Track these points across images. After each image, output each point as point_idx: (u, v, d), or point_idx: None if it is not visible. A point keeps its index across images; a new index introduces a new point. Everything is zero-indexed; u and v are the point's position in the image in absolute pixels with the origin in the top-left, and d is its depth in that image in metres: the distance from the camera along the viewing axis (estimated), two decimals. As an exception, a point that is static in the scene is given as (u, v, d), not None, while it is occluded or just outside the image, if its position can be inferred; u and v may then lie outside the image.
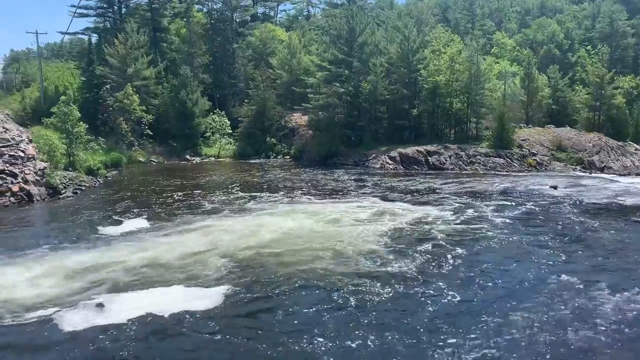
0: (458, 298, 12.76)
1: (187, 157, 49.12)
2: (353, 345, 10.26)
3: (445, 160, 41.71)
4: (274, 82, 57.19)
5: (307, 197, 27.48)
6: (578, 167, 42.39)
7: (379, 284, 13.46)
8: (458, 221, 21.15)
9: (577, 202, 25.96)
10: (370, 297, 12.73)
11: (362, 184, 32.89)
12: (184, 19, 60.50)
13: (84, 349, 10.41)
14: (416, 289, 13.33)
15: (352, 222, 20.92)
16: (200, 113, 52.34)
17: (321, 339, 10.45)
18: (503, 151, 42.63)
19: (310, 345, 10.22)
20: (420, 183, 33.08)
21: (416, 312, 11.94)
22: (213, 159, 50.06)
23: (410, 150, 42.83)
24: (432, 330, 10.97)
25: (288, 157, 50.52)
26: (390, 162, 42.12)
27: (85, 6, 59.26)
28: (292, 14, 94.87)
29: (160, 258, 16.00)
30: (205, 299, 12.80)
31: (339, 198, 27.15)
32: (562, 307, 12.25)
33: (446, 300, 12.69)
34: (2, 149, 27.79)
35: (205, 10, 65.27)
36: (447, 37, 56.44)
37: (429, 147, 42.89)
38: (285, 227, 19.94)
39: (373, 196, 27.62)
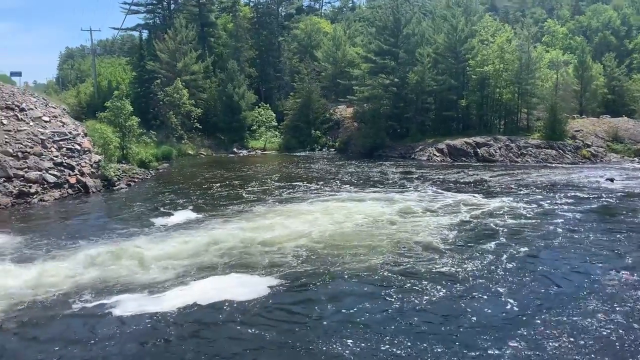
0: (508, 304, 11.77)
1: (234, 150, 49.94)
2: (382, 349, 9.80)
3: (495, 152, 40.72)
4: (318, 74, 57.31)
5: (355, 188, 27.35)
6: (636, 159, 40.54)
7: (427, 284, 12.90)
8: (513, 216, 20.36)
9: (638, 196, 24.81)
10: (416, 297, 12.15)
11: (411, 176, 32.48)
12: (231, 14, 61.32)
13: (128, 332, 10.72)
14: (465, 291, 12.54)
15: (408, 214, 20.59)
16: (247, 106, 53.07)
17: (352, 341, 10.07)
18: (555, 142, 41.23)
19: (339, 347, 9.89)
20: (470, 175, 32.41)
21: (460, 318, 11.14)
22: (259, 151, 50.68)
23: (458, 142, 42.05)
24: (472, 339, 10.11)
25: (333, 149, 50.58)
26: (438, 154, 41.50)
27: (137, 3, 60.99)
28: (337, 5, 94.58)
29: (213, 247, 16.27)
30: (252, 288, 12.86)
31: (389, 190, 26.83)
32: (626, 320, 10.93)
33: (495, 305, 11.75)
34: (60, 142, 28.92)
35: (251, 4, 65.94)
36: (495, 26, 54.97)
37: (478, 139, 41.98)
38: (340, 218, 19.86)
39: (424, 189, 27.18)
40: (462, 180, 30.51)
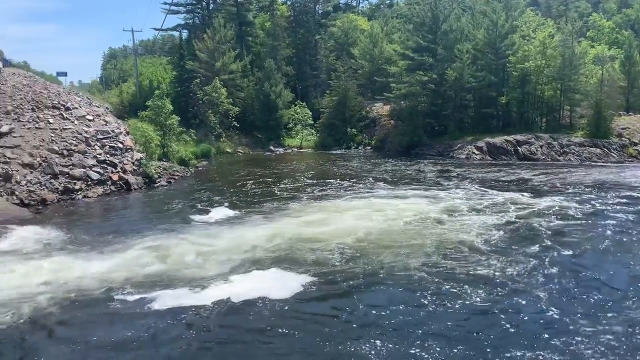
0: (548, 311, 11.26)
1: (271, 148, 50.32)
2: (410, 352, 9.60)
3: (536, 150, 39.71)
4: (355, 72, 57.09)
5: (395, 186, 27.08)
6: (687, 158, 38.78)
7: (465, 287, 12.55)
8: (561, 216, 19.69)
9: (688, 196, 23.74)
10: (452, 301, 11.83)
11: (451, 174, 32.02)
12: (268, 12, 61.73)
13: (162, 327, 10.99)
14: (504, 296, 12.11)
15: (454, 213, 20.31)
16: (284, 105, 53.39)
17: (380, 343, 9.92)
18: (600, 141, 39.86)
19: (366, 350, 9.72)
20: (512, 174, 31.71)
21: (495, 324, 10.78)
22: (295, 149, 50.92)
23: (498, 139, 41.19)
24: (506, 347, 9.77)
25: (369, 147, 50.34)
26: (477, 152, 40.76)
27: (177, 3, 62.11)
28: (375, 2, 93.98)
29: (252, 244, 16.43)
30: (289, 286, 12.95)
31: (431, 188, 26.48)
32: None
33: (533, 312, 11.29)
34: (103, 140, 29.77)
35: (288, 2, 66.21)
36: (537, 21, 53.50)
37: (519, 137, 41.01)
38: (385, 216, 19.74)
39: (467, 187, 26.72)
40: (504, 179, 29.85)
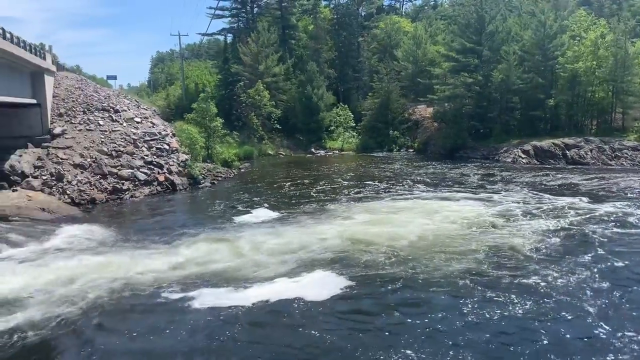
0: (595, 327, 10.64)
1: (312, 150, 50.50)
2: None
3: (586, 154, 38.29)
4: (398, 74, 56.66)
5: (441, 189, 26.63)
6: None
7: (511, 296, 12.14)
8: (620, 224, 18.81)
9: None
10: (495, 310, 11.42)
11: (497, 178, 31.28)
12: (311, 16, 62.02)
13: (201, 323, 11.27)
14: (550, 309, 11.57)
15: (508, 217, 19.82)
16: (325, 107, 53.51)
17: (412, 352, 9.72)
18: (656, 144, 38.07)
19: (398, 357, 9.60)
20: (561, 178, 30.64)
21: (538, 337, 10.29)
22: (337, 152, 50.92)
23: (545, 143, 39.95)
24: None
25: (411, 150, 49.81)
26: (524, 155, 39.67)
27: (222, 7, 63.29)
28: (418, 4, 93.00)
29: (295, 245, 16.49)
30: (328, 288, 12.94)
31: (479, 191, 25.88)
32: None
33: (580, 327, 10.73)
34: (150, 142, 30.59)
35: (331, 5, 66.35)
36: (589, 21, 51.66)
37: (567, 140, 39.66)
38: (435, 220, 19.47)
39: (518, 191, 26.02)
40: (555, 183, 28.90)
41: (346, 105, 54.72)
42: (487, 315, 11.29)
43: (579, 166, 36.54)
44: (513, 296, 12.20)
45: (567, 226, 18.68)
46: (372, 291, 12.93)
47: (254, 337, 10.80)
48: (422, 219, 19.71)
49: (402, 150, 49.86)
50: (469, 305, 11.78)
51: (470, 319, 11.20)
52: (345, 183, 30.10)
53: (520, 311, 11.48)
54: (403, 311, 11.76)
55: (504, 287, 12.77)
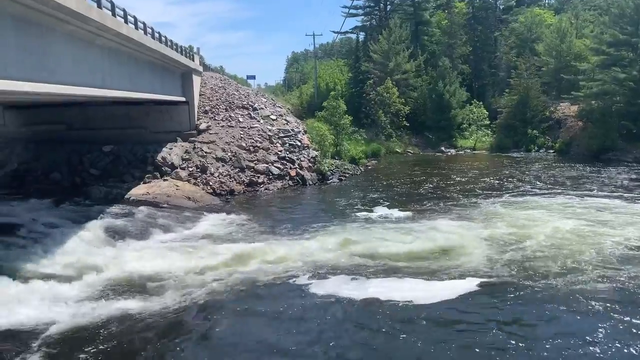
0: None
1: (442, 148, 49.21)
2: None
3: None
4: (538, 69, 53.02)
5: (583, 193, 24.56)
6: None
7: None
8: None
9: None
10: (630, 341, 10.14)
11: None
12: (446, 10, 60.44)
13: (327, 314, 11.56)
14: None
15: None
16: (457, 104, 51.84)
17: None
18: None
19: None
20: None
21: None
22: (469, 151, 49.12)
23: None
24: None
25: (551, 150, 46.36)
26: (686, 159, 35.03)
27: (355, 6, 64.04)
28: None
29: (416, 246, 16.33)
30: (441, 292, 12.66)
31: (633, 200, 23.18)
32: None
33: None
34: (284, 138, 32.05)
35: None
36: None
37: None
38: (566, 228, 17.97)
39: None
40: None
41: (480, 102, 52.50)
42: (621, 344, 10.04)
43: None
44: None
45: None
46: (483, 301, 12.33)
47: (374, 332, 10.92)
48: (574, 227, 18.06)
49: (540, 151, 46.61)
50: (602, 330, 10.62)
51: (602, 344, 10.07)
52: (479, 184, 28.86)
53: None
54: (524, 323, 11.14)
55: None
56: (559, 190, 25.90)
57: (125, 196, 24.22)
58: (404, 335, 10.61)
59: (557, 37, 53.82)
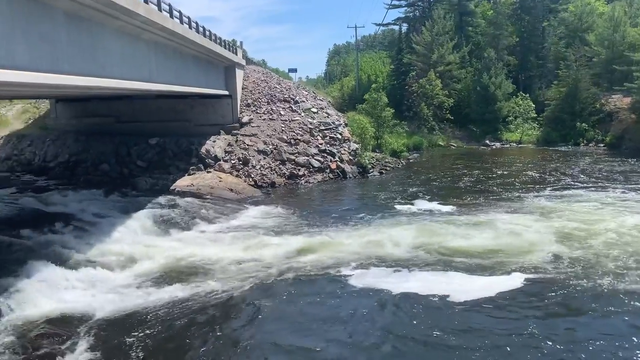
0: None
1: (486, 142, 48.15)
2: None
3: None
4: (589, 60, 51.03)
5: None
6: None
7: None
8: None
9: None
10: None
11: None
12: (491, 1, 58.95)
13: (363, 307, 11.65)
14: None
15: None
16: (503, 97, 50.53)
17: None
18: None
19: None
20: None
21: None
22: (514, 144, 47.89)
23: None
24: None
25: (602, 144, 44.64)
26: None
27: (398, -3, 63.26)
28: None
29: (461, 244, 16.04)
30: (490, 289, 12.40)
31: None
32: None
33: None
34: (325, 131, 32.09)
35: (514, -11, 62.23)
36: None
37: None
38: (617, 227, 17.14)
39: None
40: None
41: (527, 95, 50.98)
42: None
43: None
44: None
45: None
46: (526, 300, 11.98)
47: (409, 327, 10.88)
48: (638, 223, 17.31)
49: (590, 145, 44.97)
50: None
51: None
52: (526, 178, 28.14)
53: None
54: (565, 328, 10.72)
55: None
56: (614, 185, 24.96)
57: (171, 187, 24.84)
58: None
59: (609, 26, 51.65)
